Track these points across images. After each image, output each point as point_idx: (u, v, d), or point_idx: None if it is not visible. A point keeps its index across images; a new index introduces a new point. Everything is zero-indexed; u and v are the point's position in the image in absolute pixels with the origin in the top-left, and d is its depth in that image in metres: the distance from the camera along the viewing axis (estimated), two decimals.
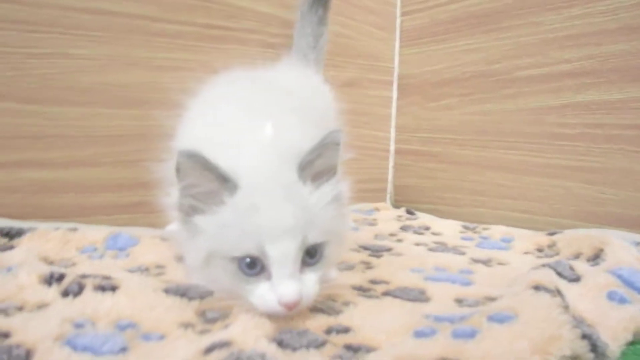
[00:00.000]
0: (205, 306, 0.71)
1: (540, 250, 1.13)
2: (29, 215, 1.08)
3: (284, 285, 0.63)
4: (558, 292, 0.70)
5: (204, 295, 0.74)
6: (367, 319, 0.69)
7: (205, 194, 0.65)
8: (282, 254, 0.63)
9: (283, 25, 1.41)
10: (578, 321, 0.60)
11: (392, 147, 1.77)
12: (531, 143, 1.37)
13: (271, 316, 0.65)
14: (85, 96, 1.15)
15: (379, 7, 1.69)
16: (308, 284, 0.65)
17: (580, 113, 1.27)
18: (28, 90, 1.08)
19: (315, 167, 0.67)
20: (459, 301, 0.78)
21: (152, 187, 1.22)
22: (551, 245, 1.12)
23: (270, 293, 0.63)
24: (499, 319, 0.60)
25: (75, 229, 1.02)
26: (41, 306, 0.71)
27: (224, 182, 0.64)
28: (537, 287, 0.69)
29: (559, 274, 0.80)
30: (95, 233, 1.02)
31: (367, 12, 1.66)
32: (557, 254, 1.08)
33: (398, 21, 1.72)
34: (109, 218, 1.19)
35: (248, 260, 0.64)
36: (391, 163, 1.77)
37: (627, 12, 1.19)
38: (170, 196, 0.71)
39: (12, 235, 0.96)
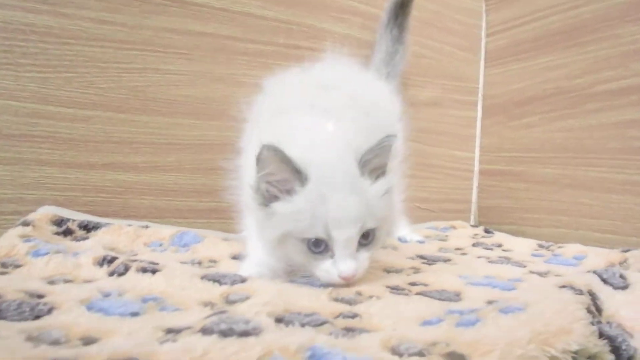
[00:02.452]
0: (231, 290, 0.71)
1: (610, 267, 0.99)
2: (112, 214, 1.15)
3: (345, 263, 0.72)
4: (590, 294, 0.63)
5: (236, 281, 0.74)
6: (383, 310, 0.64)
7: (281, 182, 0.73)
8: (345, 238, 0.72)
9: (360, 46, 1.41)
10: (604, 322, 0.52)
11: (476, 168, 1.67)
12: (613, 159, 1.25)
13: (331, 285, 0.73)
14: (171, 107, 1.21)
15: (463, 28, 1.63)
16: (361, 261, 0.75)
17: None
18: (120, 101, 1.16)
19: (372, 164, 0.75)
20: (490, 302, 0.70)
21: (227, 194, 1.28)
22: (622, 262, 0.99)
23: (332, 268, 0.73)
24: (508, 310, 0.56)
25: (147, 227, 1.07)
26: (88, 281, 0.74)
27: (297, 173, 0.72)
28: (563, 286, 0.65)
29: (604, 281, 0.71)
30: (165, 231, 1.06)
31: (450, 34, 1.61)
32: (627, 270, 0.95)
33: (483, 42, 1.65)
34: (186, 221, 1.23)
35: (315, 240, 0.72)
36: (475, 183, 1.67)
37: None
38: (251, 181, 0.77)
39: (89, 228, 1.03)
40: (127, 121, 1.18)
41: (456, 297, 0.74)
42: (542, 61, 1.44)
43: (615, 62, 1.25)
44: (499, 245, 1.25)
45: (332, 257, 0.73)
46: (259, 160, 0.72)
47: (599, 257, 1.05)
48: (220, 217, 1.27)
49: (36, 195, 1.10)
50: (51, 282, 0.72)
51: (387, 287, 0.78)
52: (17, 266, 0.78)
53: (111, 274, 0.77)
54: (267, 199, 0.75)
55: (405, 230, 1.29)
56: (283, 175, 0.72)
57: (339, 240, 0.71)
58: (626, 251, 1.04)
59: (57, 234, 1.00)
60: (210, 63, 1.25)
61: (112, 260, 0.81)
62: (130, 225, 1.06)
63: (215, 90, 1.26)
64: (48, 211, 1.04)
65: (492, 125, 1.62)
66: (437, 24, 1.57)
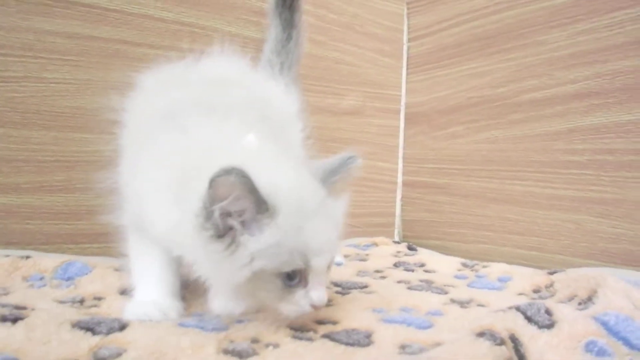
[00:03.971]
0: (103, 343, 0.63)
1: (537, 291, 0.98)
2: None
3: (318, 292, 0.69)
4: (512, 340, 0.60)
5: (113, 329, 0.67)
6: None
7: (242, 213, 0.65)
8: (323, 265, 0.69)
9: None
10: None
11: (399, 179, 1.64)
12: (538, 172, 1.24)
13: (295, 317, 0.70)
14: (57, 120, 1.11)
15: (385, 33, 1.60)
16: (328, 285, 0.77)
17: (589, 137, 1.13)
18: None
19: (336, 185, 0.73)
20: (403, 347, 0.67)
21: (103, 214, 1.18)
22: (549, 286, 0.98)
23: (304, 299, 0.69)
24: None
25: (28, 257, 0.96)
26: None
27: (264, 204, 0.64)
28: (481, 334, 0.59)
29: (529, 319, 0.67)
30: (48, 261, 0.96)
31: (371, 39, 1.57)
32: (553, 295, 0.93)
33: (405, 47, 1.62)
34: (78, 247, 1.14)
35: (291, 272, 0.68)
36: (399, 196, 1.64)
37: (634, 24, 1.06)
38: (196, 209, 0.65)
39: None
40: (5, 137, 1.06)
41: (366, 339, 0.70)
42: (466, 68, 1.43)
43: (540, 70, 1.24)
44: (422, 265, 1.22)
45: (304, 287, 0.69)
46: (216, 186, 0.61)
47: (524, 279, 1.04)
48: (117, 240, 1.17)
49: None
50: None
51: (291, 329, 0.72)
52: None
53: None
54: (222, 230, 0.65)
55: None
56: (246, 206, 0.64)
57: (316, 268, 0.68)
58: (552, 273, 1.03)
59: None
60: (102, 70, 1.15)
61: None
62: (7, 255, 0.96)
63: (110, 100, 1.15)
64: None
65: (415, 135, 1.60)
66: (357, 28, 1.53)
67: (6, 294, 0.84)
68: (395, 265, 1.22)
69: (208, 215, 0.64)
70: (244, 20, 1.32)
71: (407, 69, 1.62)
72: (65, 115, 1.12)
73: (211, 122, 0.76)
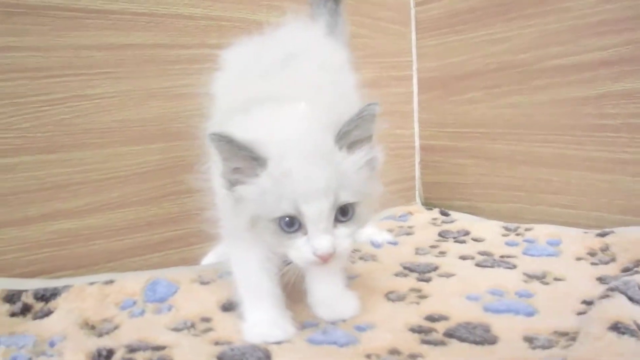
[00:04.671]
0: None
1: (592, 254, 1.06)
2: (60, 269, 1.05)
3: (319, 239, 0.69)
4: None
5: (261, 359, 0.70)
6: None
7: (241, 168, 0.70)
8: (315, 212, 0.68)
9: None
10: None
11: (417, 144, 1.69)
12: (569, 135, 1.29)
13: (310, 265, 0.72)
14: (105, 137, 1.10)
15: (393, 0, 1.60)
16: (341, 238, 0.71)
17: (621, 102, 1.19)
18: (46, 139, 1.03)
19: (352, 136, 0.71)
20: (529, 340, 0.73)
21: (182, 220, 1.19)
22: (604, 249, 1.06)
23: (306, 246, 0.70)
24: None
25: (111, 281, 0.98)
26: None
27: (255, 156, 0.68)
28: (616, 327, 0.65)
29: (630, 299, 0.74)
30: (132, 283, 0.97)
31: (381, 8, 1.57)
32: (613, 259, 1.02)
33: (412, 12, 1.63)
34: (141, 259, 1.15)
35: (287, 219, 0.69)
36: (417, 159, 1.69)
37: None
38: (217, 169, 0.75)
39: (47, 298, 0.92)
40: (59, 161, 1.04)
41: (487, 334, 0.76)
42: (482, 34, 1.44)
43: (564, 37, 1.26)
44: (466, 234, 1.29)
45: (305, 234, 0.70)
46: (212, 150, 0.71)
47: (575, 242, 1.12)
48: (176, 246, 1.21)
49: None
50: None
51: (413, 331, 0.78)
52: None
53: None
54: (233, 183, 0.72)
55: (371, 228, 1.29)
56: (240, 161, 0.70)
57: (309, 215, 0.68)
58: (602, 235, 1.10)
59: (14, 314, 0.89)
60: (140, 78, 1.13)
61: (109, 354, 0.73)
62: (91, 283, 0.96)
63: (150, 108, 1.14)
64: None
65: (431, 100, 1.63)
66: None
67: (116, 327, 0.85)
68: (441, 235, 1.29)
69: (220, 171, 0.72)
70: (267, 6, 1.30)
71: (417, 34, 1.63)
72: (113, 131, 1.10)
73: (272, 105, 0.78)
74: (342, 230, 0.71)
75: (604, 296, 0.76)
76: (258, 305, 0.84)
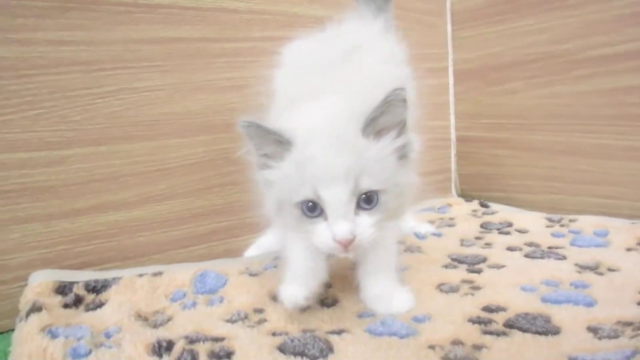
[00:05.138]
0: None
1: None
2: (108, 260, 1.03)
3: (338, 225, 0.67)
4: None
5: (324, 351, 0.68)
6: None
7: (268, 154, 0.72)
8: (334, 197, 0.67)
9: None
10: None
11: (452, 135, 1.64)
12: (611, 125, 1.23)
13: (332, 251, 0.70)
14: (153, 129, 1.07)
15: None
16: (362, 226, 0.69)
17: None
18: (97, 132, 1.00)
19: (379, 123, 0.69)
20: (593, 331, 0.69)
21: (226, 212, 1.17)
22: None
23: (326, 231, 0.69)
24: None
25: (159, 273, 0.96)
26: None
27: (281, 141, 0.70)
28: None
29: None
30: (181, 275, 0.95)
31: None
32: None
33: (448, 4, 1.58)
34: (186, 250, 1.13)
35: (309, 204, 0.69)
36: (453, 151, 1.65)
37: None
38: (248, 152, 0.76)
39: (98, 289, 0.90)
40: (109, 153, 1.02)
41: (548, 324, 0.72)
42: (521, 24, 1.39)
43: (607, 26, 1.21)
44: (509, 225, 1.24)
45: (326, 219, 0.69)
46: (243, 136, 0.72)
47: (623, 232, 1.07)
48: (221, 238, 1.18)
49: (21, 259, 0.95)
50: None
51: (472, 322, 0.75)
52: None
53: None
54: (262, 168, 0.74)
55: (412, 220, 1.25)
56: (267, 147, 0.72)
57: (328, 200, 0.67)
58: None
59: (66, 306, 0.86)
60: (187, 71, 1.10)
61: (169, 346, 0.71)
62: (140, 275, 0.94)
63: (196, 101, 1.11)
64: (44, 278, 0.89)
65: (467, 91, 1.58)
66: None
67: (169, 319, 0.83)
68: (483, 227, 1.25)
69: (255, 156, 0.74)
70: (310, 0, 1.27)
71: (452, 25, 1.58)
72: (161, 123, 1.07)
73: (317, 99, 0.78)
74: (365, 218, 0.69)
75: None
76: (294, 276, 0.81)
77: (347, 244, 0.68)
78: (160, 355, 0.69)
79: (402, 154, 0.73)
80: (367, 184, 0.68)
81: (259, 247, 1.15)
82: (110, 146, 1.02)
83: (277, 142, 0.70)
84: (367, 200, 0.69)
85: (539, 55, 1.36)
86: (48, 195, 0.96)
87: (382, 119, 0.69)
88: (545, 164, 1.38)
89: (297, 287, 0.81)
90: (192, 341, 0.71)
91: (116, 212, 1.03)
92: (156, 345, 0.71)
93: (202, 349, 0.69)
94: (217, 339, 0.72)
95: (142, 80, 1.04)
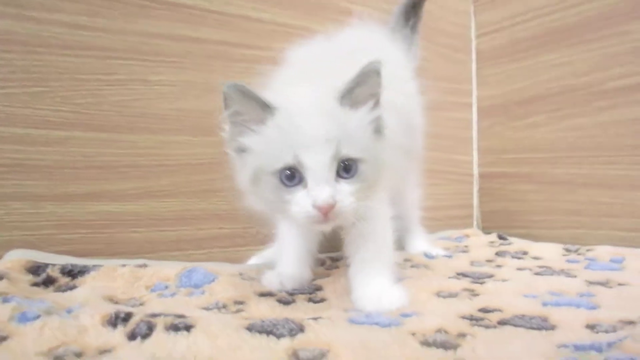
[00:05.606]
0: (297, 345, 0.54)
1: None
2: (96, 253, 0.94)
3: (318, 189, 0.64)
4: None
5: (293, 331, 0.57)
6: (492, 352, 0.52)
7: (250, 119, 0.68)
8: (316, 161, 0.64)
9: None
10: None
11: (475, 171, 1.54)
12: (632, 156, 1.16)
13: (312, 223, 0.66)
14: (162, 123, 1.01)
15: (454, 29, 1.51)
16: (343, 193, 0.66)
17: None
18: (101, 118, 0.95)
19: (355, 94, 0.68)
20: (592, 327, 0.59)
21: (230, 219, 1.08)
22: None
23: (306, 198, 0.65)
24: None
25: (144, 266, 0.86)
26: (104, 351, 0.54)
27: (264, 107, 0.67)
28: None
29: None
30: (167, 269, 0.86)
31: (442, 35, 1.48)
32: None
33: (473, 43, 1.53)
34: (183, 254, 1.03)
35: (288, 172, 0.65)
36: (476, 188, 1.54)
37: None
38: (225, 132, 0.72)
39: (74, 274, 0.82)
40: (111, 142, 0.96)
41: (545, 323, 0.61)
42: (543, 60, 1.35)
43: (625, 58, 1.18)
44: (525, 253, 1.13)
45: (305, 187, 0.66)
46: (225, 100, 0.68)
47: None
48: (222, 245, 1.08)
49: (2, 237, 0.87)
50: (57, 359, 0.51)
51: (463, 317, 0.64)
52: (2, 338, 0.55)
53: (132, 336, 0.57)
54: (235, 133, 0.70)
55: (426, 244, 1.15)
56: (249, 111, 0.68)
57: (310, 165, 0.64)
58: None
59: (36, 284, 0.78)
60: (204, 72, 1.06)
61: (126, 317, 0.61)
62: (124, 265, 0.85)
63: (210, 102, 1.06)
64: (19, 256, 0.82)
65: (491, 127, 1.50)
66: (430, 24, 1.43)
67: (141, 304, 0.74)
68: (498, 254, 1.13)
69: (229, 133, 0.71)
70: (332, 19, 1.22)
71: (477, 63, 1.53)
72: (170, 118, 1.01)
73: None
74: (345, 186, 0.66)
75: None
76: (285, 261, 0.86)
77: (327, 210, 0.64)
78: (115, 326, 0.59)
79: (377, 128, 0.71)
80: (347, 151, 0.66)
81: (262, 257, 1.06)
82: (114, 134, 0.96)
83: (260, 107, 0.67)
84: (346, 168, 0.66)
85: (560, 88, 1.32)
86: (40, 175, 0.90)
87: (358, 90, 0.68)
88: (567, 198, 1.30)
89: (281, 270, 0.84)
90: (153, 315, 0.61)
91: (111, 203, 0.96)
92: (113, 315, 0.61)
93: (161, 322, 0.58)
94: (180, 316, 0.61)
95: (156, 74, 1.00)
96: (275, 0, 1.15)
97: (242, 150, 0.70)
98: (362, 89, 0.68)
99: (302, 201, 0.65)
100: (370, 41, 0.97)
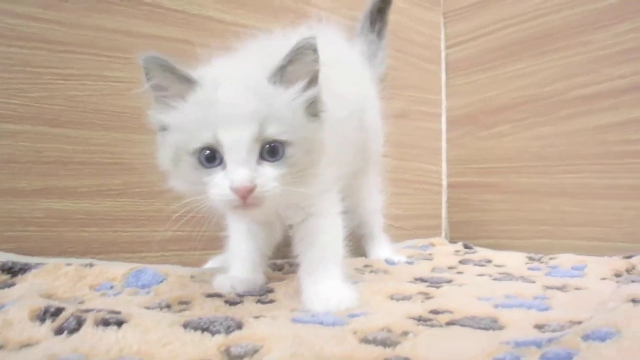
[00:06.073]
0: (230, 341, 0.53)
1: (618, 275, 0.91)
2: (43, 252, 0.91)
3: (236, 171, 0.61)
4: None
5: (230, 327, 0.56)
6: (432, 349, 0.51)
7: (170, 95, 0.66)
8: (234, 141, 0.61)
9: None
10: None
11: (444, 182, 1.56)
12: (594, 164, 1.19)
13: (231, 208, 0.64)
14: (117, 121, 1.00)
15: (424, 40, 1.53)
16: (265, 176, 0.63)
17: None
18: (54, 112, 0.93)
19: (287, 72, 0.65)
20: (540, 327, 0.59)
21: (187, 221, 1.06)
22: (630, 269, 0.92)
23: (224, 180, 0.62)
24: (599, 336, 0.47)
25: (91, 265, 0.84)
26: (26, 345, 0.52)
27: (185, 81, 0.65)
28: (635, 300, 0.56)
29: None
30: (114, 269, 0.83)
31: (412, 45, 1.50)
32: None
33: (443, 54, 1.55)
34: (136, 256, 1.01)
35: (207, 152, 0.63)
36: (444, 198, 1.55)
37: None
38: (150, 116, 0.70)
39: (14, 271, 0.79)
40: (63, 137, 0.94)
41: (494, 324, 0.61)
42: (510, 70, 1.38)
43: (587, 68, 1.22)
44: (489, 261, 1.13)
45: (224, 168, 0.63)
46: (145, 73, 0.66)
47: (602, 265, 0.97)
48: (176, 248, 1.06)
49: None
50: None
51: (412, 318, 0.63)
52: None
53: (59, 331, 0.55)
54: (161, 111, 0.67)
55: (389, 251, 1.15)
56: (169, 85, 0.65)
57: (228, 143, 0.61)
58: (629, 257, 0.97)
59: None
60: None
61: (57, 311, 0.59)
62: (69, 264, 0.83)
63: None
64: None
65: (459, 137, 1.52)
66: (400, 34, 1.46)
67: (81, 302, 0.71)
68: (462, 262, 1.13)
69: (152, 110, 0.69)
70: (297, 23, 1.23)
71: (447, 73, 1.55)
72: (126, 116, 1.00)
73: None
74: (268, 170, 0.63)
75: (623, 283, 0.64)
76: (237, 265, 0.85)
77: (245, 194, 0.61)
78: (43, 320, 0.57)
79: (313, 111, 0.68)
80: (272, 132, 0.62)
81: (219, 261, 1.04)
82: (66, 130, 0.94)
83: (180, 81, 0.65)
84: (271, 151, 0.63)
85: (526, 98, 1.35)
86: None
87: (291, 68, 0.65)
88: (533, 207, 1.32)
89: (233, 273, 0.83)
90: (85, 311, 0.59)
91: (60, 201, 0.94)
92: (42, 310, 0.58)
93: (91, 316, 0.57)
94: (114, 312, 0.60)
95: (112, 70, 0.99)
96: (239, 2, 1.15)
97: (163, 128, 0.67)
98: (295, 66, 0.65)
99: (219, 182, 0.62)
100: (323, 38, 0.96)
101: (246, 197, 0.61)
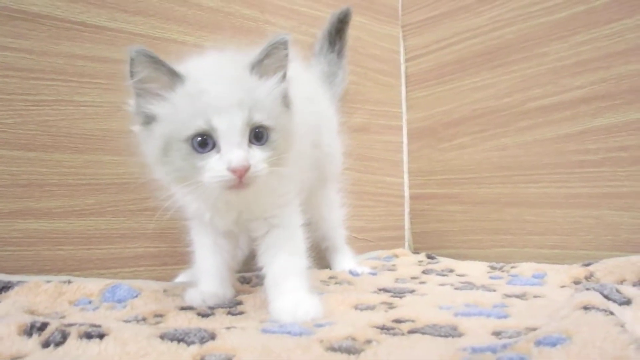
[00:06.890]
0: (204, 351, 0.59)
1: (577, 282, 0.98)
2: (22, 270, 0.98)
3: (232, 152, 0.68)
4: (610, 313, 0.58)
5: (204, 338, 0.62)
6: (393, 356, 0.56)
7: (158, 87, 0.71)
8: (228, 125, 0.68)
9: None
10: None
11: (406, 193, 1.64)
12: (553, 174, 1.25)
13: (227, 189, 0.69)
14: (88, 143, 1.06)
15: (384, 54, 1.62)
16: (256, 158, 0.70)
17: (601, 137, 1.16)
18: (28, 137, 1.00)
19: (264, 65, 0.73)
20: (497, 334, 0.65)
21: (157, 238, 1.13)
22: (589, 277, 0.98)
23: (220, 162, 0.68)
24: (550, 342, 0.50)
25: (69, 282, 0.90)
26: (16, 358, 0.58)
27: (173, 75, 0.70)
28: (586, 307, 0.59)
29: (607, 297, 0.66)
30: (91, 285, 0.90)
31: (372, 59, 1.59)
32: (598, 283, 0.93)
33: (402, 67, 1.64)
34: (110, 272, 1.08)
35: (200, 138, 0.68)
36: (407, 209, 1.64)
37: (633, 32, 1.11)
38: (130, 106, 0.76)
39: None
40: (37, 160, 1.01)
41: (454, 331, 0.67)
42: (468, 82, 1.45)
43: (544, 79, 1.27)
44: (451, 271, 1.21)
45: (219, 151, 0.69)
46: (131, 66, 0.70)
47: (560, 273, 1.04)
48: (148, 264, 1.13)
49: None
50: None
51: (375, 327, 0.70)
52: None
53: (45, 344, 0.61)
54: (148, 116, 0.72)
55: (352, 262, 1.23)
56: (158, 78, 0.70)
57: (222, 128, 0.68)
58: (587, 265, 1.03)
59: None
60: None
61: (42, 326, 0.65)
62: (49, 281, 0.89)
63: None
64: None
65: (420, 149, 1.60)
66: (360, 50, 1.54)
67: (62, 317, 0.78)
68: (425, 272, 1.20)
69: (135, 105, 0.74)
70: (257, 43, 1.31)
71: (406, 86, 1.64)
72: (96, 138, 1.07)
73: None
74: (257, 152, 0.71)
75: (578, 291, 0.68)
76: (202, 278, 0.90)
77: (242, 173, 0.67)
78: (30, 335, 0.64)
79: (287, 102, 0.76)
80: (259, 117, 0.70)
81: (189, 275, 1.10)
82: (39, 153, 1.01)
83: (168, 74, 0.70)
84: (257, 136, 0.71)
85: (484, 110, 1.41)
86: None
87: (267, 61, 0.73)
88: (494, 217, 1.38)
89: (203, 288, 0.87)
90: (68, 325, 0.66)
91: (37, 221, 1.00)
92: (29, 325, 0.65)
93: (74, 330, 0.63)
94: (95, 326, 0.66)
95: (82, 94, 1.06)
96: (201, 24, 1.22)
97: (149, 120, 0.72)
98: (271, 60, 0.73)
99: (216, 165, 0.68)
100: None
101: (242, 177, 0.68)
